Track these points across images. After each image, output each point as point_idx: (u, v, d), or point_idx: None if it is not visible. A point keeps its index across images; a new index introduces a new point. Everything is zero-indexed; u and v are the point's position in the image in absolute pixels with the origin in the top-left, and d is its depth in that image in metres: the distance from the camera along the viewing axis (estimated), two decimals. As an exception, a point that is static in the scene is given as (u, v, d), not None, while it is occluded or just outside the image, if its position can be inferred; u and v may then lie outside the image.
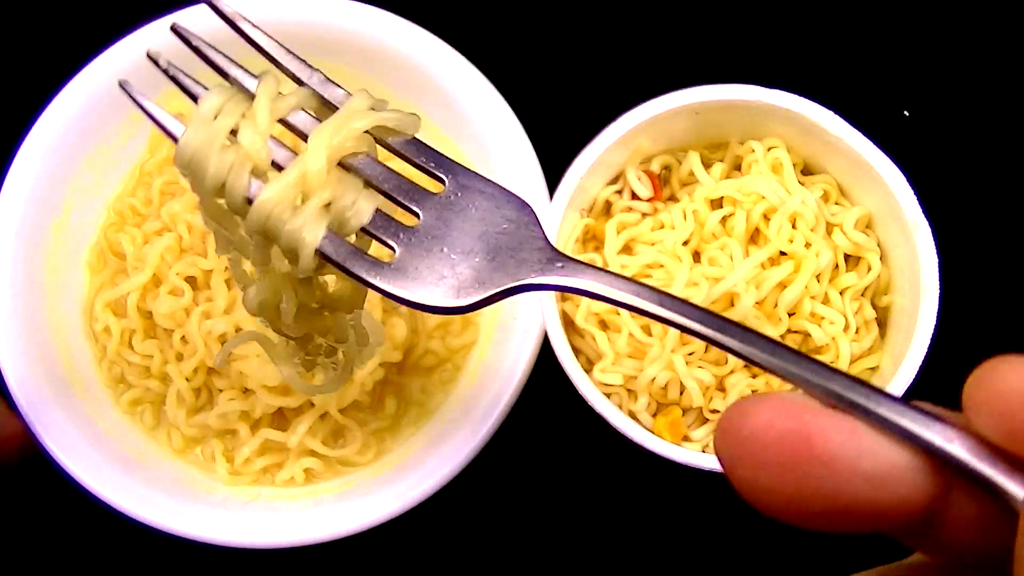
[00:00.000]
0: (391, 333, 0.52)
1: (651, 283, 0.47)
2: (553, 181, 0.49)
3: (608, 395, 0.47)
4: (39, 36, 0.61)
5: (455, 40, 0.54)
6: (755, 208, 0.47)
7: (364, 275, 0.28)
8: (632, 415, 0.47)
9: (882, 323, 0.49)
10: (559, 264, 0.27)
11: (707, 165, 0.50)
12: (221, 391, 0.52)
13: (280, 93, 0.29)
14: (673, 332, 0.46)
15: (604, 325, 0.48)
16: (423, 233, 0.28)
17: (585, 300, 0.48)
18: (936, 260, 0.45)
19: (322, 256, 0.28)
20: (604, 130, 0.47)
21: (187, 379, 0.52)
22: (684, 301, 0.25)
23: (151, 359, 0.53)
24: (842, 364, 0.47)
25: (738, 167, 0.50)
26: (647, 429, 0.46)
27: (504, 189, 0.29)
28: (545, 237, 0.28)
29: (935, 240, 0.45)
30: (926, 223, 0.45)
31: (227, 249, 0.32)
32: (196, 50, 0.30)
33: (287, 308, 0.32)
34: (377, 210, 0.28)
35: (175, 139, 0.29)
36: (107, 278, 0.56)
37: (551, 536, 0.54)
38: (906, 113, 0.58)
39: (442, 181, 0.29)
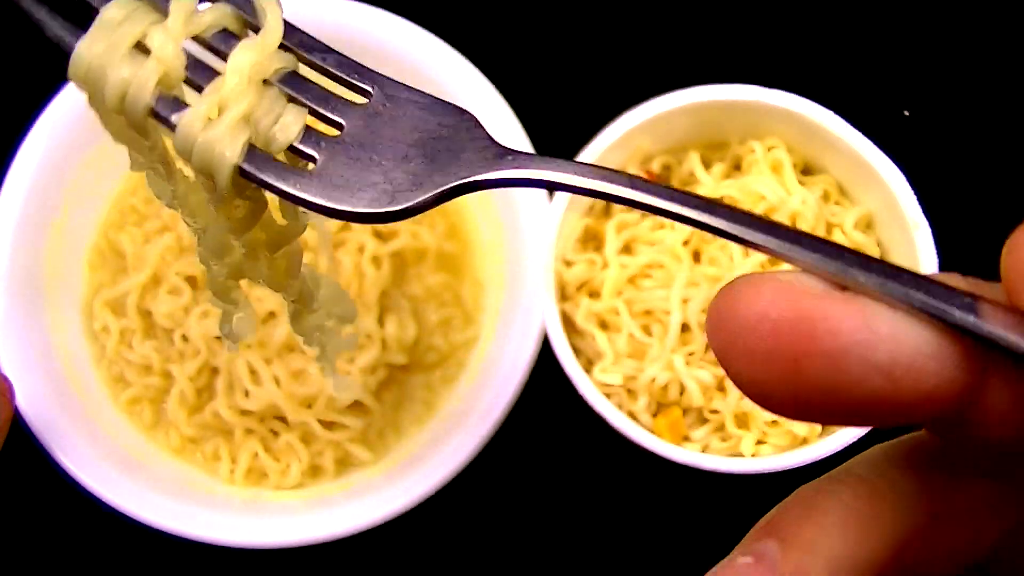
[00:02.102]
0: (400, 335, 0.52)
1: (651, 283, 0.47)
2: (553, 181, 0.49)
3: (608, 395, 0.47)
4: (39, 36, 0.61)
5: (455, 40, 0.54)
6: (755, 208, 0.47)
7: (282, 185, 0.24)
8: (632, 415, 0.47)
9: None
10: (509, 157, 0.24)
11: (707, 165, 0.50)
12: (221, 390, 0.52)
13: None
14: (673, 332, 0.46)
15: (604, 325, 0.48)
16: (349, 142, 0.25)
17: (585, 299, 0.48)
18: (936, 260, 0.45)
19: (241, 173, 0.24)
20: (604, 130, 0.47)
21: (190, 379, 0.52)
22: (659, 185, 0.21)
23: (150, 359, 0.53)
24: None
25: (738, 167, 0.50)
26: (647, 429, 0.46)
27: (438, 98, 0.26)
28: (491, 137, 0.25)
29: (935, 240, 0.45)
30: (926, 223, 0.45)
31: (142, 167, 0.29)
32: None
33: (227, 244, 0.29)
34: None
35: (69, 49, 0.25)
36: (107, 277, 0.56)
37: (551, 536, 0.54)
38: (906, 113, 0.59)
39: (368, 94, 0.26)
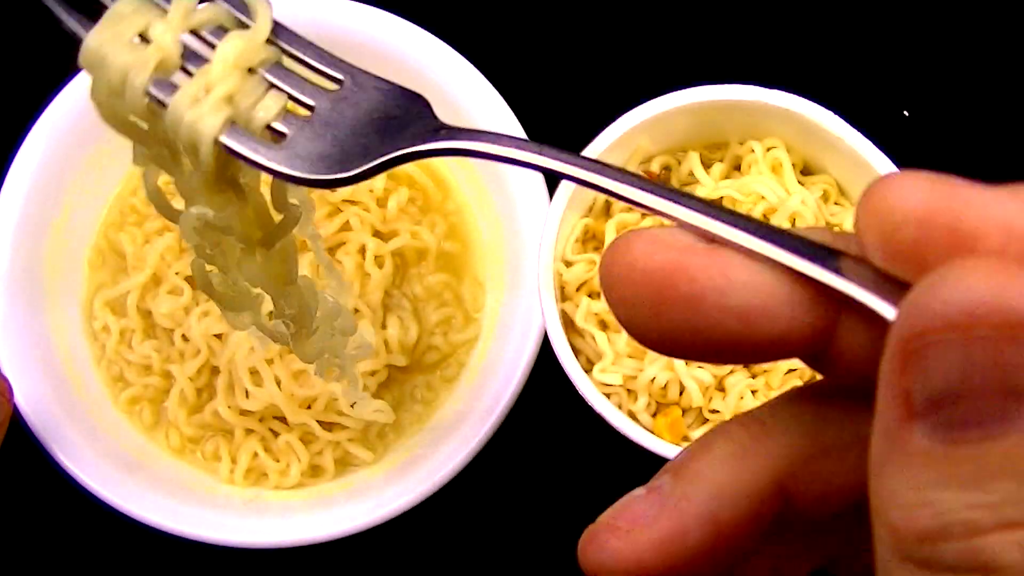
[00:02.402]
0: (401, 337, 0.52)
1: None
2: (553, 181, 0.49)
3: (608, 395, 0.47)
4: (39, 36, 0.61)
5: (455, 40, 0.54)
6: (755, 208, 0.47)
7: (252, 155, 0.27)
8: (632, 415, 0.47)
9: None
10: (443, 131, 0.27)
11: (707, 165, 0.50)
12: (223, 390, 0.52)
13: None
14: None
15: (604, 325, 0.48)
16: (315, 121, 0.28)
17: (585, 299, 0.48)
18: (936, 260, 0.45)
19: (223, 147, 0.27)
20: (604, 130, 0.47)
21: (190, 379, 0.52)
22: (549, 147, 0.23)
23: (150, 358, 0.53)
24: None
25: (738, 167, 0.50)
26: (647, 429, 0.46)
27: (400, 86, 0.30)
28: (434, 116, 0.28)
29: (935, 240, 0.45)
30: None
31: (146, 159, 0.30)
32: None
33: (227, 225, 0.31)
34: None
35: (80, 38, 0.28)
36: (107, 277, 0.56)
37: (551, 536, 0.54)
38: (906, 113, 0.59)
39: (340, 82, 0.29)
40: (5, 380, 0.46)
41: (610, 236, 0.49)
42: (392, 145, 0.27)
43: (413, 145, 0.27)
